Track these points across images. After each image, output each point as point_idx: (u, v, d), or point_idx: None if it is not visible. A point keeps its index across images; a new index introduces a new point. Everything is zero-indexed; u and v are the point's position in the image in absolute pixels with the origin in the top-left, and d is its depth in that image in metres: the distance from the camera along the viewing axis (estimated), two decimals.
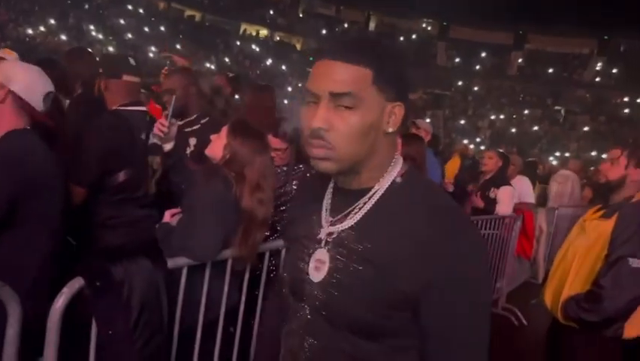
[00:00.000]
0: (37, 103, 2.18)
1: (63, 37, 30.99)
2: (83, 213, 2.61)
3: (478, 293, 1.06)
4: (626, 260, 2.59)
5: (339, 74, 1.07)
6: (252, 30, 47.21)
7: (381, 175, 1.14)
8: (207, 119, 3.36)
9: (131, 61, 2.89)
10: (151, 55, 35.15)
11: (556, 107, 39.77)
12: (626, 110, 37.98)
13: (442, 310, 1.04)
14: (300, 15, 49.37)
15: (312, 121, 1.08)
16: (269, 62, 42.86)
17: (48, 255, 2.16)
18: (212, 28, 42.98)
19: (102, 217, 2.67)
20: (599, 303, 2.58)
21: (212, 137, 2.54)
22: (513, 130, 37.18)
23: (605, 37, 39.86)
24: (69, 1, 35.61)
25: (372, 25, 50.70)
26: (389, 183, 1.13)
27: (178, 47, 38.97)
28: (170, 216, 2.47)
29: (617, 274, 2.59)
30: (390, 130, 1.12)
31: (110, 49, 32.11)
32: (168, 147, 2.74)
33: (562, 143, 34.47)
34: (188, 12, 44.55)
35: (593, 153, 29.27)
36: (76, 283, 1.77)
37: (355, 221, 1.12)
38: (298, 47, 48.72)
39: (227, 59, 41.29)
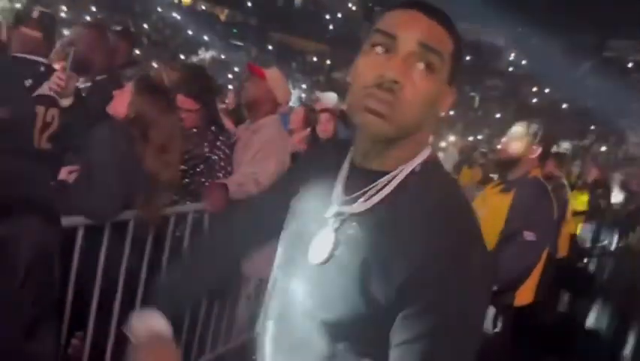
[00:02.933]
0: None
1: None
2: None
3: (469, 304, 0.93)
4: (521, 233, 2.73)
5: (432, 28, 0.95)
6: None
7: (408, 159, 1.01)
8: (104, 76, 3.17)
9: (34, 14, 2.72)
10: (63, 15, 33.01)
11: (472, 94, 41.46)
12: (535, 100, 40.25)
13: (425, 317, 0.91)
14: None
15: (386, 70, 0.92)
16: (190, 31, 41.46)
17: None
18: None
19: None
20: (496, 274, 2.72)
21: (116, 93, 2.41)
22: None
23: (519, 29, 41.84)
24: None
25: (297, 0, 50.28)
26: (409, 171, 1.00)
27: (93, 9, 36.86)
28: (66, 174, 2.34)
29: (512, 247, 2.73)
30: (442, 114, 1.02)
31: (17, 5, 29.85)
32: (66, 102, 2.58)
33: (475, 128, 36.04)
34: None
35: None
36: None
37: (367, 207, 0.99)
38: (222, 17, 47.48)
39: (145, 26, 39.52)
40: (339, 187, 1.06)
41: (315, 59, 47.67)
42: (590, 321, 4.40)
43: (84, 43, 3.00)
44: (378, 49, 0.96)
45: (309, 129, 4.45)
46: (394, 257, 0.92)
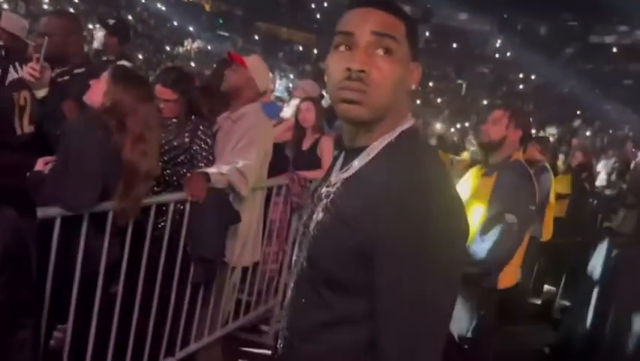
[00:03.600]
0: None
1: None
2: None
3: (433, 254, 0.99)
4: (502, 215, 2.75)
5: (381, 18, 1.08)
6: None
7: (387, 132, 1.12)
8: (83, 69, 3.10)
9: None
10: (45, 7, 32.58)
11: (459, 81, 41.51)
12: (521, 86, 40.39)
13: (391, 267, 1.00)
14: None
15: (351, 63, 1.05)
16: (175, 22, 41.08)
17: None
18: None
19: None
20: (476, 255, 2.73)
21: (92, 82, 2.38)
22: (418, 102, 38.45)
23: (505, 15, 41.88)
24: None
25: None
26: (387, 142, 1.11)
27: (76, 0, 36.37)
28: (43, 164, 2.30)
29: (494, 229, 2.74)
30: (413, 87, 1.13)
31: None
32: (41, 93, 2.54)
33: (463, 115, 36.14)
34: None
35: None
36: None
37: (349, 175, 1.12)
38: (207, 8, 47.07)
39: (130, 17, 39.09)
40: (336, 168, 1.21)
41: (301, 48, 47.44)
42: (575, 303, 4.45)
43: (57, 33, 2.93)
44: (342, 47, 1.09)
45: (292, 119, 4.43)
46: (358, 217, 1.03)
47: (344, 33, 1.09)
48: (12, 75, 2.43)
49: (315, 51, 45.65)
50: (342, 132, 1.23)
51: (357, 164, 1.12)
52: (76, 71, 3.03)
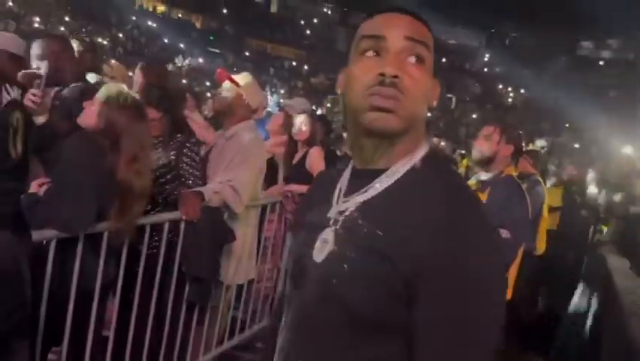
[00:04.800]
0: None
1: None
2: None
3: (482, 292, 0.90)
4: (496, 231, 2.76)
5: (414, 24, 1.01)
6: (148, 5, 45.20)
7: (409, 154, 1.02)
8: (78, 84, 3.10)
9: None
10: (36, 25, 32.62)
11: (449, 95, 41.86)
12: (510, 99, 40.78)
13: (438, 302, 0.89)
14: None
15: (384, 68, 0.96)
16: (166, 39, 41.22)
17: None
18: (105, 2, 40.54)
19: None
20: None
21: (86, 104, 2.38)
22: None
23: (492, 30, 42.42)
24: None
25: (273, 8, 50.34)
26: (410, 166, 1.01)
27: (67, 19, 36.45)
28: (37, 187, 2.29)
29: None
30: (434, 104, 1.06)
31: None
32: (41, 119, 2.54)
33: (453, 129, 36.39)
34: None
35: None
36: None
37: (366, 198, 1.01)
38: (198, 25, 47.31)
39: (120, 35, 39.23)
40: (340, 192, 1.08)
41: (293, 64, 47.70)
42: (570, 316, 4.46)
43: (54, 56, 2.94)
44: (369, 53, 1.00)
45: (285, 135, 4.45)
46: (398, 246, 0.91)
47: (374, 37, 1.00)
48: (5, 97, 2.41)
49: (306, 67, 45.91)
50: (343, 149, 1.13)
51: (378, 187, 1.01)
52: (74, 85, 3.03)
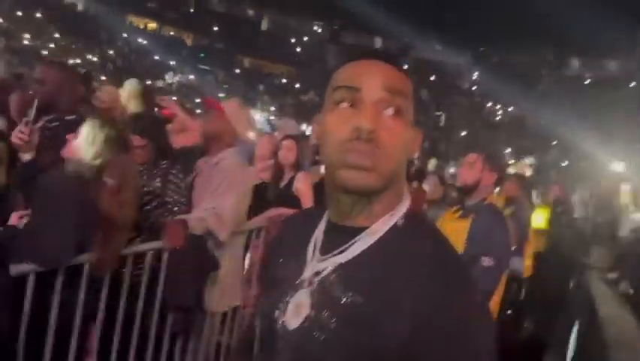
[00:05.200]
0: None
1: None
2: None
3: (483, 333, 0.89)
4: (479, 259, 2.77)
5: (392, 73, 0.94)
6: (139, 23, 45.34)
7: (389, 211, 0.96)
8: (73, 117, 3.09)
9: None
10: (26, 42, 32.58)
11: (437, 113, 42.17)
12: (498, 116, 41.18)
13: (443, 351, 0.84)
14: (192, 10, 48.28)
15: (360, 121, 0.89)
16: (157, 56, 41.33)
17: None
18: (96, 19, 40.62)
19: None
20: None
21: (69, 137, 2.38)
22: None
23: (481, 48, 42.99)
24: None
25: (264, 25, 50.67)
26: (392, 224, 0.95)
27: (56, 35, 36.44)
28: (17, 219, 2.28)
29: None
30: (415, 156, 1.01)
31: None
32: (27, 157, 2.53)
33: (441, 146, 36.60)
34: (74, 1, 41.88)
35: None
36: None
37: (345, 260, 0.93)
38: (188, 42, 47.48)
39: (111, 52, 39.25)
40: (315, 248, 1.00)
41: (283, 81, 47.93)
42: (555, 342, 4.47)
43: (50, 83, 2.92)
44: (344, 104, 0.94)
45: (272, 160, 4.45)
46: (385, 311, 0.87)
47: (348, 88, 0.93)
48: None
49: (297, 84, 46.11)
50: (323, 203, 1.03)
51: (357, 247, 0.93)
52: (67, 118, 3.01)
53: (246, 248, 3.67)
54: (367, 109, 0.91)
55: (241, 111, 3.44)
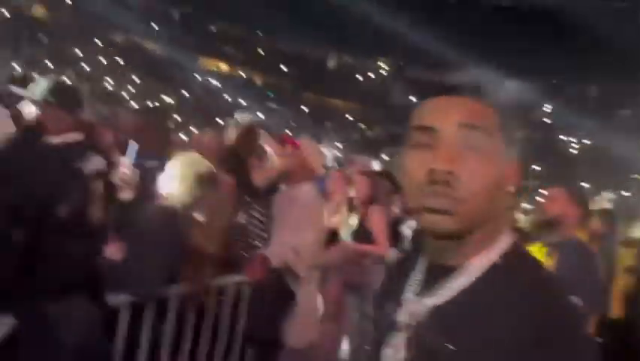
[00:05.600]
0: None
1: (15, 66, 30.44)
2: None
3: None
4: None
5: (469, 106, 0.89)
6: (211, 65, 47.44)
7: (486, 248, 0.91)
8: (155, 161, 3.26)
9: (81, 93, 2.85)
10: (109, 87, 34.75)
11: None
12: (574, 150, 39.67)
13: None
14: (261, 51, 50.11)
15: (435, 162, 0.86)
16: (227, 96, 43.04)
17: None
18: (171, 62, 42.88)
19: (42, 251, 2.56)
20: None
21: (162, 175, 2.50)
22: None
23: (554, 80, 41.92)
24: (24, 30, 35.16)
25: (331, 63, 51.72)
26: (489, 262, 0.90)
27: (134, 78, 38.65)
28: (113, 251, 2.40)
29: None
30: (512, 189, 0.94)
31: (65, 79, 31.54)
32: (127, 195, 2.68)
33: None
34: (146, 45, 44.44)
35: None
36: (7, 322, 1.70)
37: (439, 303, 0.90)
38: (258, 82, 49.16)
39: (186, 93, 41.21)
40: (411, 289, 0.97)
41: (349, 117, 48.41)
42: None
43: (142, 127, 3.12)
44: (421, 145, 0.90)
45: (345, 195, 4.48)
46: (482, 357, 0.84)
47: (423, 128, 0.90)
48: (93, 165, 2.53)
49: (362, 121, 46.46)
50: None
51: (453, 287, 0.90)
52: (159, 157, 3.16)
53: (323, 283, 3.69)
54: (443, 149, 0.87)
55: (315, 147, 3.52)
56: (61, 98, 2.60)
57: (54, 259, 2.51)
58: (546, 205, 3.03)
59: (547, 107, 42.73)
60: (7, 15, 33.18)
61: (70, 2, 38.62)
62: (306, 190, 3.32)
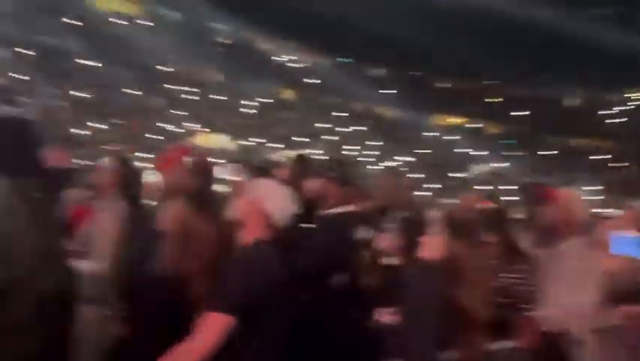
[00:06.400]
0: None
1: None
2: None
3: None
4: None
5: None
6: (441, 120, 48.23)
7: None
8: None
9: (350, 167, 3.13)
10: (355, 154, 37.49)
11: None
12: None
13: None
14: (486, 100, 49.73)
15: None
16: (460, 148, 43.09)
17: None
18: (405, 123, 44.80)
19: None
20: None
21: (422, 237, 2.54)
22: None
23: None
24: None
25: (567, 102, 48.37)
26: None
27: (374, 143, 41.15)
28: (385, 316, 2.46)
29: None
30: None
31: (319, 151, 34.81)
32: (392, 260, 2.72)
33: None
34: (386, 112, 47.38)
35: None
36: None
37: None
38: (492, 131, 48.31)
39: (417, 150, 42.38)
40: None
41: (598, 157, 44.14)
42: None
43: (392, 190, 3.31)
44: None
45: None
46: None
47: None
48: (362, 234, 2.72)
49: (614, 159, 41.82)
50: None
51: None
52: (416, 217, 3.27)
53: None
54: None
55: (578, 199, 3.25)
56: (339, 173, 2.88)
57: (336, 321, 2.70)
58: None
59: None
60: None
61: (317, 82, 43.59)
62: (577, 244, 3.05)
